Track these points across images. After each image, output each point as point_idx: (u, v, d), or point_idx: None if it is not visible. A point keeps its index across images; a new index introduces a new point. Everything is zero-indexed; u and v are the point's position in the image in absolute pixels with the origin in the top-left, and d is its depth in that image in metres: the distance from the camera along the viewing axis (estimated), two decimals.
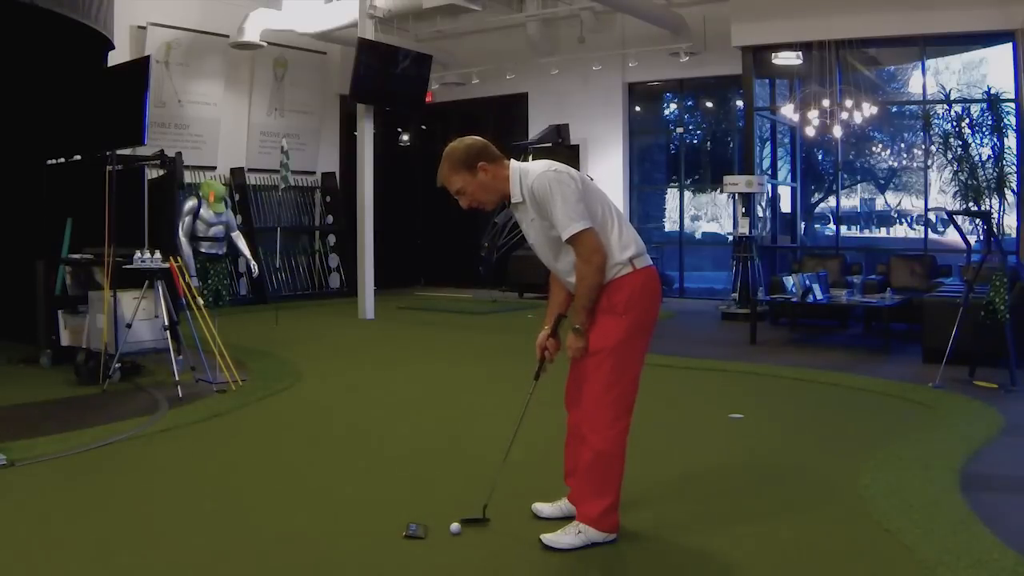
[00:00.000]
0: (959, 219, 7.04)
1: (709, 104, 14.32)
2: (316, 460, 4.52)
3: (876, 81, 12.22)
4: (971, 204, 6.64)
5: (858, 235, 17.75)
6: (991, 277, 6.45)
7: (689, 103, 14.41)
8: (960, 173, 6.63)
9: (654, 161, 14.62)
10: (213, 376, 6.21)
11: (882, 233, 18.16)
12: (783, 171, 13.31)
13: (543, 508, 3.54)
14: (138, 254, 6.30)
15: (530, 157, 12.68)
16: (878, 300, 8.44)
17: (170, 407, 5.59)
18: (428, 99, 13.29)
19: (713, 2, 11.71)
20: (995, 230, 6.65)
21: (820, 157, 15.24)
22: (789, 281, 8.95)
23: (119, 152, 7.01)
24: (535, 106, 14.05)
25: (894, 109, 14.94)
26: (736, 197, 10.68)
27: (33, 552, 3.20)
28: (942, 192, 8.57)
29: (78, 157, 8.04)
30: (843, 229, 15.46)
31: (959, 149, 6.62)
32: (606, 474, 3.21)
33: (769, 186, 12.05)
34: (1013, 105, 8.81)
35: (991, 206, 6.62)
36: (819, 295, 8.68)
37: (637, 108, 13.79)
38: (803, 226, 13.88)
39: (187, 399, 5.79)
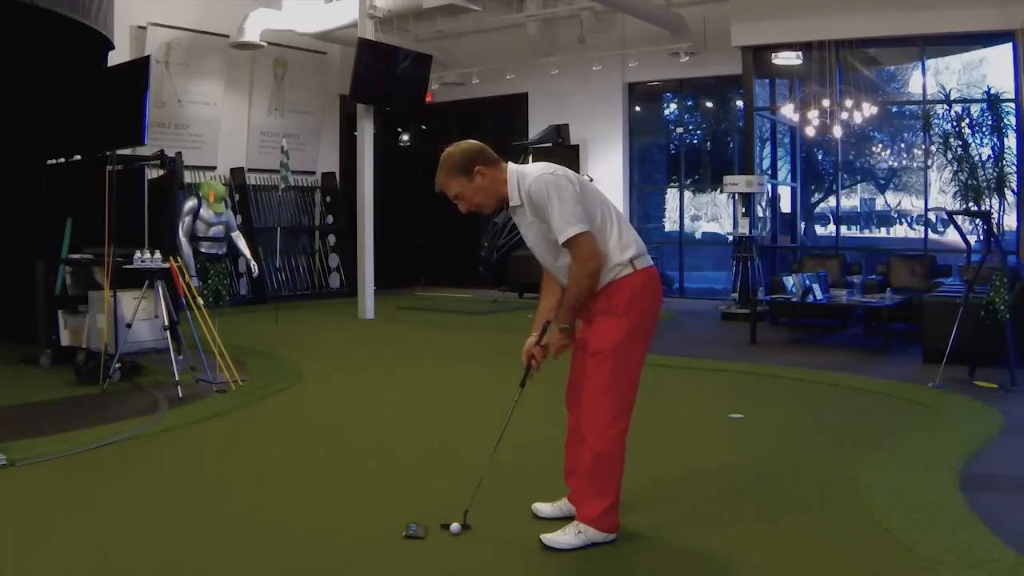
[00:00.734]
0: (959, 219, 7.03)
1: (709, 104, 14.32)
2: (316, 460, 4.52)
3: (876, 81, 12.21)
4: (971, 204, 6.64)
5: (858, 235, 17.75)
6: (991, 277, 6.44)
7: (689, 103, 14.41)
8: (960, 173, 6.63)
9: (654, 161, 14.62)
10: (213, 376, 6.21)
11: (882, 233, 18.17)
12: (783, 171, 13.31)
13: (543, 508, 3.54)
14: (138, 254, 6.30)
15: (530, 157, 12.68)
16: (878, 300, 8.44)
17: (170, 407, 5.59)
18: (428, 99, 13.29)
19: (713, 2, 11.71)
20: (995, 230, 6.65)
21: (820, 157, 15.25)
22: (789, 281, 8.96)
23: (119, 152, 7.01)
24: (535, 106, 14.05)
25: (894, 109, 14.94)
26: (736, 197, 10.68)
27: (33, 552, 3.20)
28: (942, 192, 8.57)
29: (78, 157, 8.03)
30: (843, 229, 15.46)
31: (959, 149, 6.62)
32: (606, 474, 3.21)
33: (769, 186, 12.05)
34: (1013, 105, 8.80)
35: (991, 206, 6.62)
36: (819, 295, 8.68)
37: (637, 108, 13.79)
38: (803, 226, 13.88)
39: (187, 399, 5.79)
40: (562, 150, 13.01)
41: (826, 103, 10.27)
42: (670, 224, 14.44)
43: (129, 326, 6.29)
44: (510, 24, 13.22)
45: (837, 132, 10.50)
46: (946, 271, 9.85)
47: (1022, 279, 7.13)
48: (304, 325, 10.17)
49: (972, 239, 7.17)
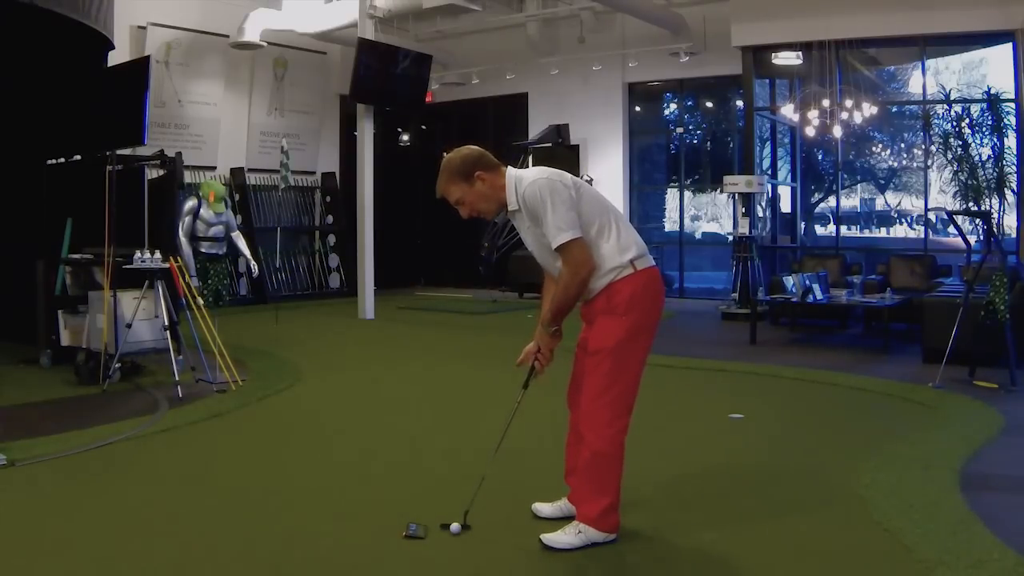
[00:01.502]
0: (959, 219, 7.04)
1: (709, 104, 14.32)
2: (316, 460, 4.52)
3: (876, 81, 12.21)
4: (971, 204, 6.64)
5: (858, 235, 17.75)
6: (991, 277, 6.44)
7: (689, 103, 14.41)
8: (960, 173, 6.63)
9: (654, 161, 14.62)
10: (213, 376, 6.21)
11: (882, 233, 18.17)
12: (783, 171, 13.31)
13: (543, 508, 3.54)
14: (138, 254, 6.30)
15: (530, 158, 12.70)
16: (878, 300, 8.44)
17: (170, 407, 5.59)
18: (428, 99, 13.29)
19: (713, 2, 11.72)
20: (995, 230, 6.65)
21: (820, 157, 15.25)
22: (789, 281, 8.96)
23: (119, 152, 7.01)
24: (535, 106, 14.05)
25: (894, 109, 14.95)
26: (736, 197, 10.68)
27: (33, 552, 3.20)
28: (942, 192, 8.57)
29: (78, 157, 8.03)
30: (843, 229, 15.46)
31: (959, 149, 6.62)
32: (605, 474, 3.21)
33: (769, 186, 12.05)
34: (1013, 105, 8.81)
35: (991, 206, 6.62)
36: (819, 295, 8.68)
37: (637, 108, 13.79)
38: (803, 226, 13.88)
39: (187, 399, 5.79)
40: (562, 150, 13.01)
41: (826, 103, 10.27)
42: (670, 224, 14.44)
43: (129, 326, 6.29)
44: (510, 24, 13.22)
45: (837, 132, 10.50)
46: (946, 271, 9.85)
47: (1022, 279, 7.13)
48: (304, 325, 10.17)
49: (972, 239, 7.17)
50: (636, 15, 11.82)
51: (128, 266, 6.31)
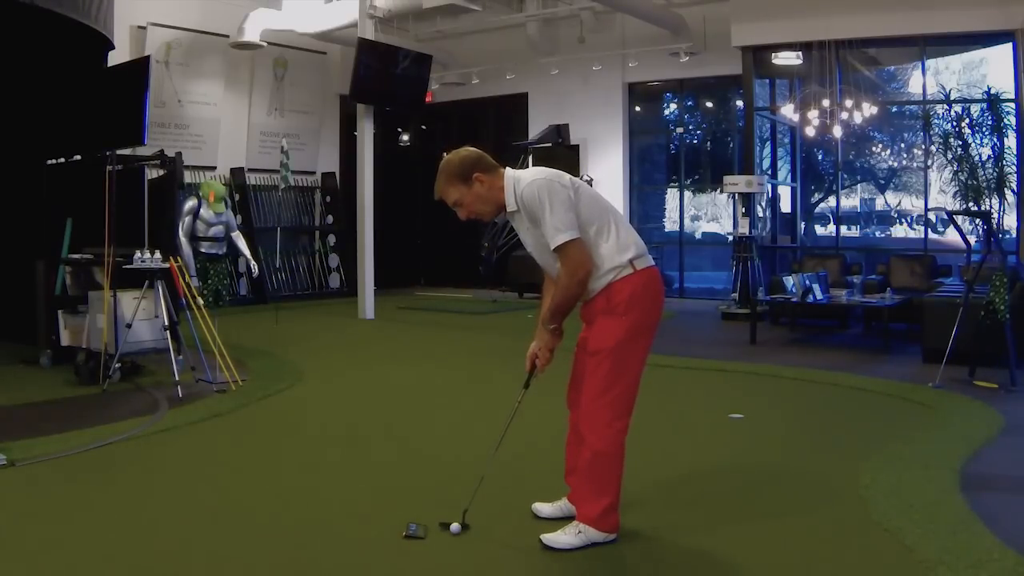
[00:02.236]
0: (959, 219, 7.04)
1: (709, 104, 14.32)
2: (316, 460, 4.52)
3: (876, 81, 12.21)
4: (971, 204, 6.64)
5: (858, 235, 17.75)
6: (991, 277, 6.44)
7: (689, 103, 14.41)
8: (960, 173, 6.63)
9: (654, 161, 14.62)
10: (213, 376, 6.21)
11: (882, 233, 18.17)
12: (783, 171, 13.31)
13: (543, 508, 3.54)
14: (138, 254, 6.30)
15: (530, 158, 12.70)
16: (878, 300, 8.44)
17: (170, 407, 5.59)
18: (428, 99, 13.29)
19: (713, 2, 11.71)
20: (995, 230, 6.65)
21: (820, 157, 15.24)
22: (789, 281, 8.96)
23: (119, 152, 7.01)
24: (535, 106, 14.05)
25: (894, 109, 14.94)
26: (736, 197, 10.68)
27: (33, 552, 3.20)
28: (942, 192, 8.57)
29: (78, 157, 8.03)
30: (843, 229, 15.46)
31: (959, 149, 6.62)
32: (605, 474, 3.21)
33: (769, 186, 12.05)
34: (1013, 105, 8.80)
35: (991, 206, 6.62)
36: (819, 295, 8.68)
37: (637, 108, 13.79)
38: (803, 226, 13.88)
39: (187, 399, 5.79)
40: (562, 150, 13.01)
41: (826, 103, 10.27)
42: (670, 224, 14.44)
43: (129, 326, 6.29)
44: (510, 24, 13.22)
45: (837, 132, 10.50)
46: (946, 271, 9.85)
47: (1022, 279, 7.12)
48: (304, 325, 10.17)
49: (972, 239, 7.17)
50: (636, 15, 11.82)
51: (128, 266, 6.31)
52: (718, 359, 7.54)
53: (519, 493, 3.72)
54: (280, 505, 3.75)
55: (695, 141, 14.61)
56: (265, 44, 12.25)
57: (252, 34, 12.00)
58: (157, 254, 6.36)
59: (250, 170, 13.09)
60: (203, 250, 7.59)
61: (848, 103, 10.12)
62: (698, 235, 15.95)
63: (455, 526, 3.34)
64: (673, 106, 14.43)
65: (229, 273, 10.87)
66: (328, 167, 14.38)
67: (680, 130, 14.24)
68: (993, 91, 7.13)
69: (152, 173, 7.73)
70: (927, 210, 11.83)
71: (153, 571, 3.04)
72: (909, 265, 9.87)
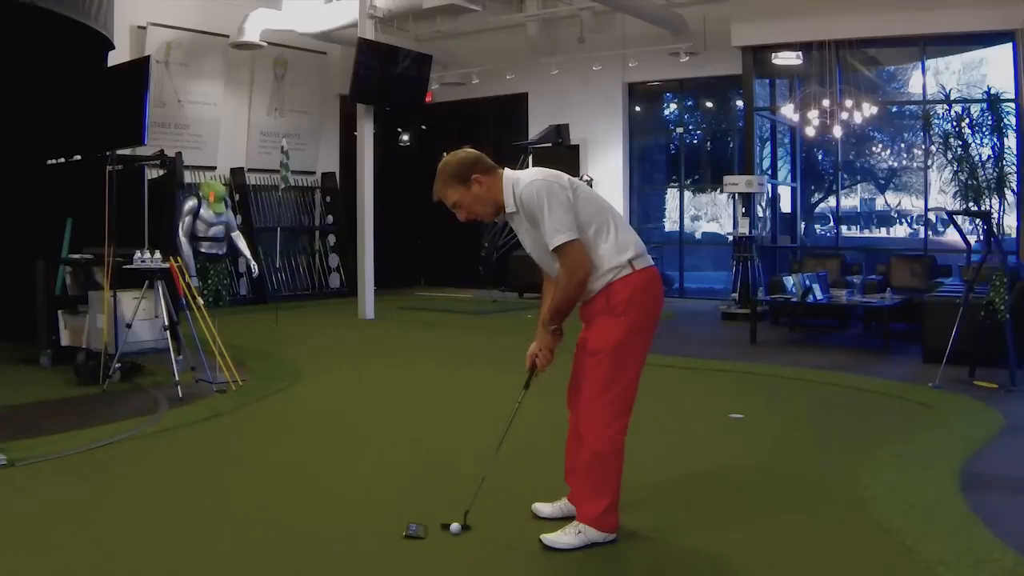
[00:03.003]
0: (959, 219, 7.04)
1: (709, 104, 14.32)
2: (316, 460, 4.52)
3: (876, 81, 12.22)
4: (971, 204, 6.64)
5: (858, 235, 17.75)
6: (991, 277, 6.44)
7: (689, 103, 14.41)
8: (960, 173, 6.63)
9: (654, 161, 14.62)
10: (213, 376, 6.20)
11: (882, 233, 18.17)
12: (783, 171, 13.31)
13: (543, 508, 3.54)
14: (138, 254, 6.30)
15: (530, 158, 12.70)
16: (878, 300, 8.44)
17: (170, 407, 5.59)
18: (428, 99, 13.29)
19: (713, 2, 11.71)
20: (995, 230, 6.65)
21: (820, 157, 15.25)
22: (789, 281, 8.96)
23: (119, 152, 7.01)
24: (535, 106, 14.05)
25: (894, 109, 14.95)
26: (736, 197, 10.68)
27: (34, 552, 3.20)
28: (942, 192, 8.57)
29: (78, 157, 8.03)
30: (843, 229, 15.46)
31: (959, 149, 6.62)
32: (604, 474, 3.21)
33: (769, 186, 12.05)
34: (1013, 105, 8.81)
35: (991, 206, 6.62)
36: (819, 295, 8.69)
37: (637, 108, 13.79)
38: (803, 226, 13.88)
39: (187, 399, 5.79)
40: (562, 150, 13.02)
41: (826, 103, 10.27)
42: (670, 224, 14.44)
43: (129, 326, 6.29)
44: (510, 24, 13.21)
45: (837, 132, 10.50)
46: (946, 271, 9.85)
47: (1022, 279, 7.12)
48: (304, 325, 10.17)
49: (972, 239, 7.17)
50: (636, 15, 11.82)
51: (128, 266, 6.31)
52: (718, 359, 7.54)
53: (519, 493, 3.71)
54: (280, 505, 3.75)
55: (695, 141, 14.62)
56: (265, 44, 12.25)
57: (252, 34, 11.99)
58: (157, 254, 6.36)
59: (250, 170, 13.09)
60: (203, 250, 7.59)
61: (848, 103, 10.12)
62: (698, 235, 15.96)
63: (455, 526, 3.34)
64: (673, 106, 14.44)
65: (229, 273, 10.87)
66: (328, 167, 14.38)
67: (680, 130, 14.24)
68: (993, 91, 7.13)
69: (152, 173, 7.73)
70: (927, 210, 11.83)
71: (153, 571, 3.04)
72: (909, 265, 9.87)
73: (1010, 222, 9.29)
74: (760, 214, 11.70)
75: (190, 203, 7.61)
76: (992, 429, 5.00)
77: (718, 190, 13.80)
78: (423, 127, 15.97)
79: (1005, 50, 10.08)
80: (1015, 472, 4.29)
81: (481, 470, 3.49)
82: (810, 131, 10.63)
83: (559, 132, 12.99)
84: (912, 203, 17.59)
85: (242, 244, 7.98)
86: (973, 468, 4.23)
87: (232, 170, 12.92)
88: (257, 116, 13.20)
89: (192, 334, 6.44)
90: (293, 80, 13.46)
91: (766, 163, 12.79)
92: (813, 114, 10.38)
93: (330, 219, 14.12)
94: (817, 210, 15.71)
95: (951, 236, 11.40)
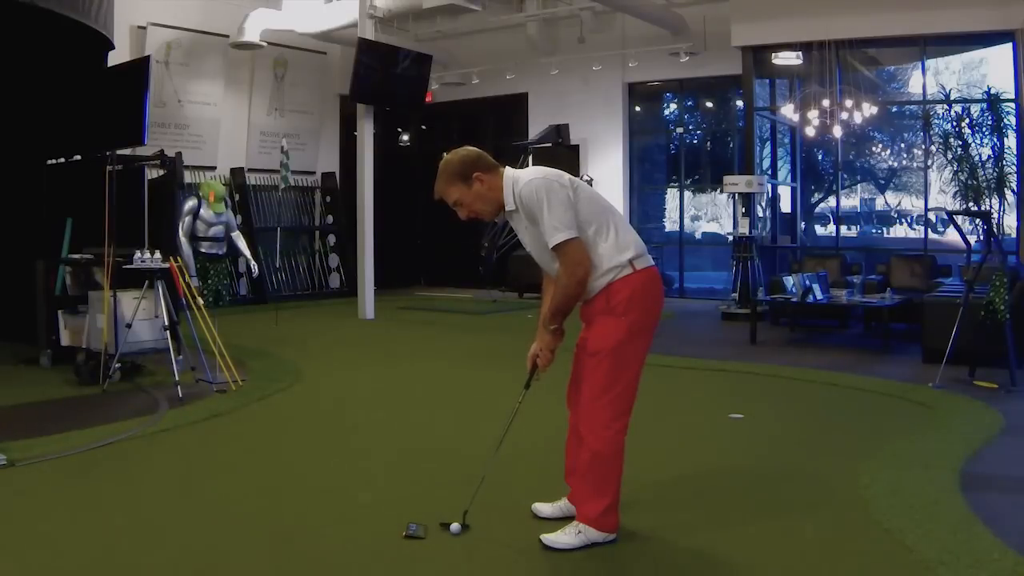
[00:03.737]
0: (959, 219, 7.04)
1: (709, 104, 14.32)
2: (316, 460, 4.52)
3: (876, 81, 12.22)
4: (971, 204, 6.64)
5: (858, 235, 17.76)
6: (991, 277, 6.44)
7: (689, 103, 14.41)
8: (960, 173, 6.64)
9: (654, 161, 14.62)
10: (213, 376, 6.20)
11: (882, 233, 18.18)
12: (783, 171, 13.31)
13: (543, 508, 3.54)
14: (138, 254, 6.30)
15: (530, 158, 12.70)
16: (878, 300, 8.44)
17: (170, 407, 5.59)
18: (428, 99, 13.29)
19: (713, 2, 11.71)
20: (995, 230, 6.65)
21: (820, 157, 15.25)
22: (789, 281, 8.96)
23: (119, 152, 7.01)
24: (535, 106, 14.05)
25: (894, 109, 14.95)
26: (736, 197, 10.68)
27: (33, 552, 3.20)
28: (942, 192, 8.57)
29: (78, 157, 8.03)
30: (843, 229, 15.46)
31: (959, 149, 6.63)
32: (604, 474, 3.21)
33: (769, 186, 12.05)
34: (1013, 105, 8.81)
35: (991, 206, 6.63)
36: (819, 295, 8.68)
37: (637, 108, 13.79)
38: (803, 226, 13.88)
39: (187, 399, 5.79)
40: (562, 150, 13.02)
41: (826, 103, 10.27)
42: (670, 224, 14.44)
43: (129, 326, 6.29)
44: (510, 24, 13.21)
45: (837, 132, 10.50)
46: (946, 271, 9.85)
47: (1022, 279, 7.12)
48: (304, 325, 10.17)
49: (972, 239, 7.17)
50: (636, 15, 11.81)
51: (128, 266, 6.31)
52: (718, 359, 7.53)
53: (519, 493, 3.71)
54: (280, 505, 3.75)
55: (695, 141, 14.62)
56: (265, 44, 12.25)
57: (252, 34, 12.00)
58: (157, 254, 6.36)
59: (250, 170, 13.09)
60: (203, 250, 7.59)
61: (848, 103, 10.12)
62: (698, 235, 15.96)
63: (455, 526, 3.34)
64: (673, 106, 14.44)
65: (229, 273, 10.87)
66: (328, 167, 14.38)
67: (680, 130, 14.24)
68: (993, 91, 7.15)
69: (152, 173, 7.74)
70: (927, 210, 11.83)
71: (153, 571, 3.04)
72: (909, 265, 9.86)
73: (1010, 222, 9.29)
74: (760, 214, 11.70)
75: (190, 203, 7.61)
76: (992, 429, 5.00)
77: (718, 190, 13.80)
78: (423, 127, 15.98)
79: (1005, 50, 10.07)
80: (1015, 472, 4.29)
81: (481, 470, 3.49)
82: (810, 131, 10.63)
83: (559, 132, 12.99)
84: (912, 203, 17.59)
85: (242, 244, 7.98)
86: (973, 468, 4.23)
87: (232, 170, 12.92)
88: (257, 116, 13.20)
89: (192, 334, 6.44)
90: (293, 80, 13.47)
91: (766, 163, 12.79)
92: (813, 114, 10.38)
93: (330, 219, 14.12)
94: (817, 210, 15.71)
95: (951, 236, 11.40)
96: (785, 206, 13.14)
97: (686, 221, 14.32)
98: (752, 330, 8.61)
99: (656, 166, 14.65)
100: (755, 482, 4.11)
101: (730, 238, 11.18)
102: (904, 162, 17.18)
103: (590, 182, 11.86)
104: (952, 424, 5.13)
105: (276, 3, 12.28)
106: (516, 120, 14.24)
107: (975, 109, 7.01)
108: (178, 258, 6.73)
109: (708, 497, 3.88)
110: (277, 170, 11.55)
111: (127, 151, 7.55)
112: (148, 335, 6.55)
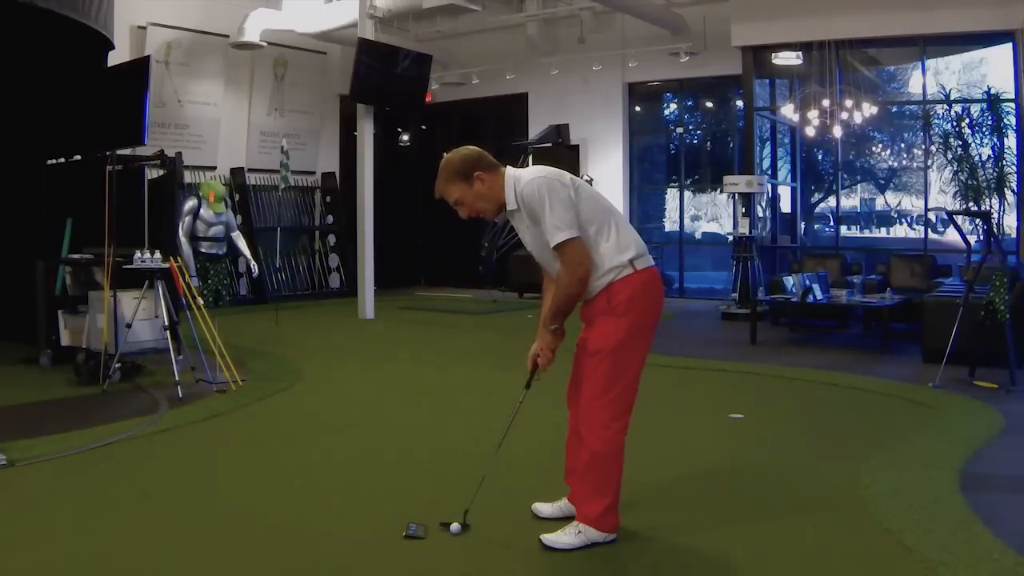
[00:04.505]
0: (959, 219, 7.04)
1: (709, 104, 14.32)
2: (316, 460, 4.52)
3: (876, 81, 12.22)
4: (971, 204, 6.64)
5: (858, 235, 17.76)
6: (991, 277, 6.44)
7: (689, 103, 14.41)
8: (960, 173, 6.63)
9: (654, 161, 14.63)
10: (213, 376, 6.20)
11: (882, 233, 18.18)
12: (783, 171, 13.31)
13: (543, 508, 3.54)
14: (138, 254, 6.30)
15: (530, 158, 12.70)
16: (878, 300, 8.44)
17: (170, 407, 5.59)
18: (428, 99, 13.30)
19: (713, 2, 11.71)
20: (995, 230, 6.65)
21: (820, 157, 15.26)
22: (789, 281, 8.96)
23: (119, 152, 7.01)
24: (535, 106, 14.05)
25: (894, 109, 14.95)
26: (736, 197, 10.69)
27: (33, 552, 3.20)
28: (942, 192, 8.56)
29: (78, 157, 8.03)
30: (843, 229, 15.47)
31: (959, 149, 6.62)
32: (604, 474, 3.21)
33: (769, 186, 12.05)
34: (1013, 105, 8.80)
35: (991, 206, 6.62)
36: (819, 295, 8.68)
37: (637, 108, 13.79)
38: (803, 226, 13.89)
39: (187, 399, 5.79)
40: (562, 150, 13.01)
41: (826, 103, 10.27)
42: (670, 224, 14.45)
43: (129, 326, 6.29)
44: (510, 24, 13.21)
45: (837, 132, 10.50)
46: (946, 271, 9.86)
47: (1022, 279, 7.12)
48: (304, 325, 10.17)
49: (972, 239, 7.17)
50: (636, 15, 11.81)
51: (128, 266, 6.31)
52: (718, 359, 7.53)
53: (519, 493, 3.71)
54: (280, 505, 3.75)
55: (695, 141, 14.62)
56: (265, 44, 12.25)
57: (252, 34, 12.00)
58: (157, 254, 6.36)
59: (250, 170, 13.09)
60: (203, 250, 7.58)
61: (848, 103, 10.12)
62: (698, 235, 15.96)
63: (455, 526, 3.34)
64: (673, 106, 14.44)
65: (229, 273, 10.85)
66: (328, 167, 14.38)
67: (680, 130, 14.24)
68: (993, 91, 7.13)
69: (152, 173, 7.73)
70: (927, 210, 11.83)
71: (153, 571, 3.04)
72: (909, 265, 9.87)
73: (1010, 222, 9.29)
74: (760, 214, 11.70)
75: (190, 203, 7.61)
76: (992, 429, 5.00)
77: (718, 190, 13.80)
78: (423, 127, 15.97)
79: (1005, 50, 10.08)
80: (1015, 472, 4.29)
81: (481, 470, 3.49)
82: (810, 131, 10.63)
83: (559, 132, 12.99)
84: (912, 203, 17.60)
85: (242, 244, 7.97)
86: (973, 468, 4.23)
87: (232, 170, 12.92)
88: (257, 116, 13.20)
89: (192, 334, 6.44)
90: (293, 80, 13.46)
91: (766, 163, 12.79)
92: (813, 114, 10.38)
93: (330, 219, 14.12)
94: (817, 210, 15.71)
95: (951, 236, 11.40)
96: (785, 206, 13.14)
97: (686, 221, 14.33)
98: (752, 330, 8.61)
99: (656, 166, 14.66)
100: (755, 482, 4.10)
101: (730, 238, 11.18)
102: (904, 162, 17.19)
103: (590, 182, 11.86)
104: (952, 424, 5.13)
105: (276, 3, 12.28)
106: (516, 120, 14.24)
107: (975, 109, 7.00)
108: (178, 258, 6.73)
109: (708, 497, 3.88)
110: (277, 170, 11.55)
111: (127, 151, 7.55)
112: (148, 335, 6.55)
